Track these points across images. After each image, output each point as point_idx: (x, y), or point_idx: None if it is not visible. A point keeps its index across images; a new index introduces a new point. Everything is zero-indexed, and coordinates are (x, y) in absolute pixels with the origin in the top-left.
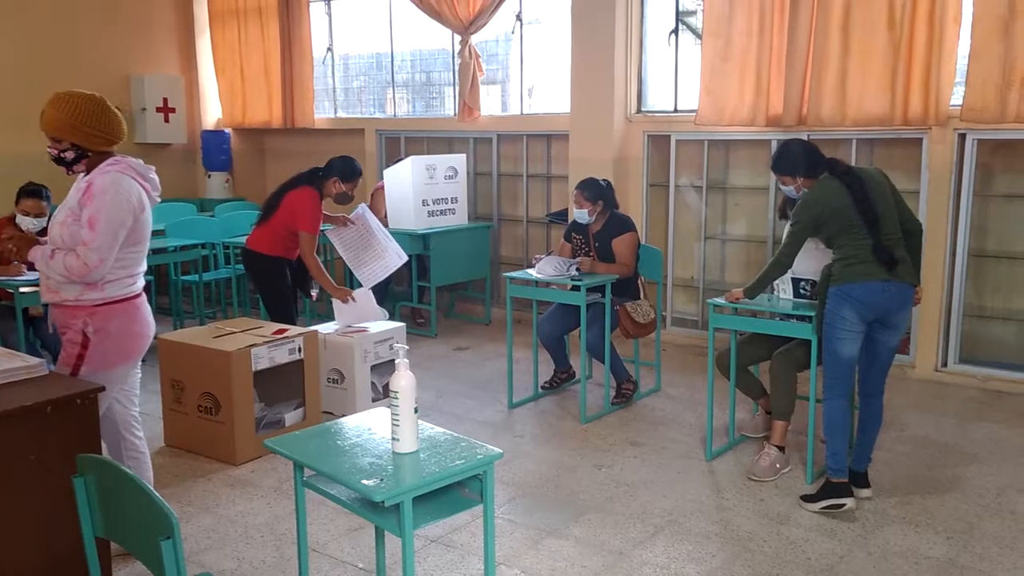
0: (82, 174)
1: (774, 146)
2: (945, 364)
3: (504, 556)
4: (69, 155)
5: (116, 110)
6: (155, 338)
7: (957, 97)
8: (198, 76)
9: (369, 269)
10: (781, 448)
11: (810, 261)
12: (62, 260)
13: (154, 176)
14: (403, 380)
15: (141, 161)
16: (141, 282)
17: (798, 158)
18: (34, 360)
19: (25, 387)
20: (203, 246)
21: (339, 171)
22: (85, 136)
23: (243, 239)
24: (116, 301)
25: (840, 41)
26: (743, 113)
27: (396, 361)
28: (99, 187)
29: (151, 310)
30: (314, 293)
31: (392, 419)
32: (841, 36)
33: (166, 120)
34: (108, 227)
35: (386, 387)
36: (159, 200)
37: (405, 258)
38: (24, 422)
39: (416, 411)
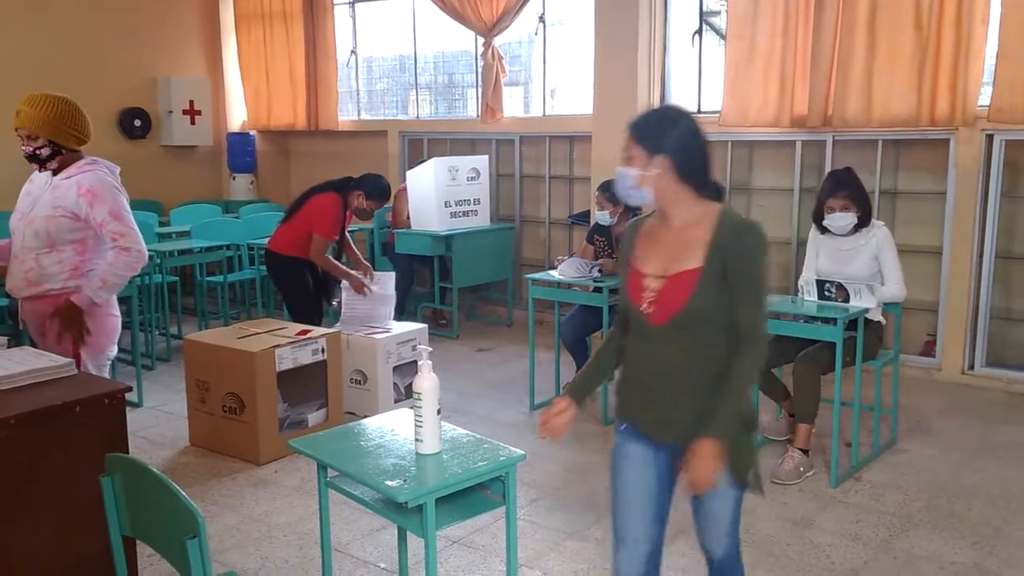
0: (50, 172)
1: (799, 147)
2: (972, 367)
3: (525, 557)
4: (44, 151)
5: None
6: (181, 339)
7: (985, 97)
8: (224, 78)
9: (358, 309)
10: (805, 451)
11: (836, 263)
12: (114, 267)
13: (118, 175)
14: (426, 382)
15: (109, 162)
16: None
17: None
18: (63, 360)
19: (54, 387)
20: (228, 247)
21: (367, 187)
22: (61, 134)
23: (267, 240)
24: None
25: (866, 41)
26: (767, 114)
27: (419, 363)
28: (96, 185)
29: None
30: (336, 303)
31: (415, 420)
32: (867, 36)
33: (192, 122)
34: (127, 215)
35: (408, 388)
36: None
37: (389, 327)
38: (53, 422)
39: (439, 412)
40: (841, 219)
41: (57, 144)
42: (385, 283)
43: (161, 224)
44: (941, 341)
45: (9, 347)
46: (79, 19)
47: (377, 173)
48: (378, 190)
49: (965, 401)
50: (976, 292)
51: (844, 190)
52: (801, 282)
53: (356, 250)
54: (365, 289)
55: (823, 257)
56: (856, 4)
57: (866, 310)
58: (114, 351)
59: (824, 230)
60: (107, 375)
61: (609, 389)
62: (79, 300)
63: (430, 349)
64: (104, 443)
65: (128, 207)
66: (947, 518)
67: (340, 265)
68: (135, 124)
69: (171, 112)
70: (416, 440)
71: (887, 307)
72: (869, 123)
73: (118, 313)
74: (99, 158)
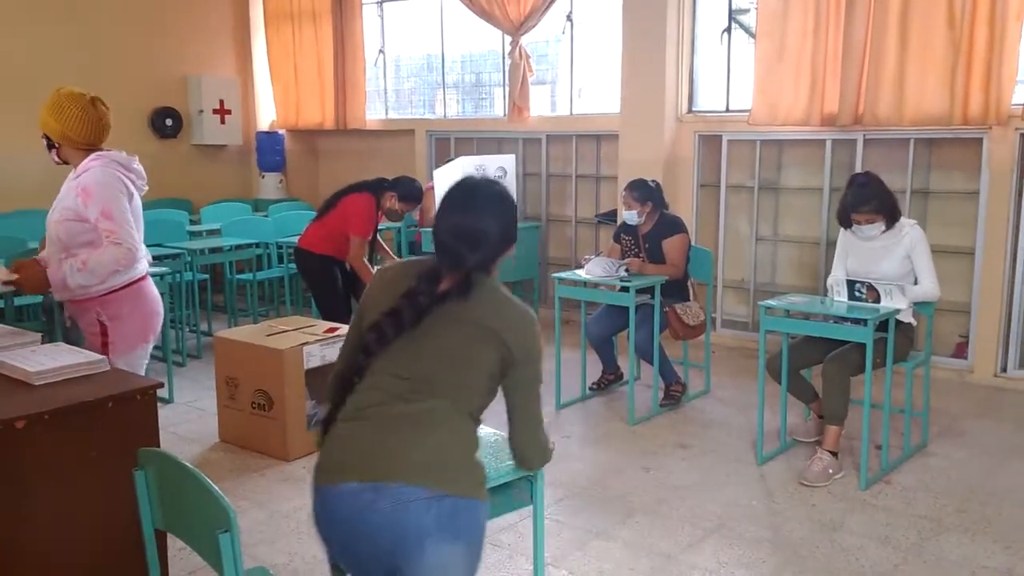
0: (73, 171)
1: (829, 146)
2: (1004, 369)
3: (552, 557)
4: (45, 145)
5: (102, 109)
6: (211, 336)
7: (1019, 96)
8: (253, 78)
9: None
10: (834, 453)
11: (867, 262)
12: (101, 258)
13: (138, 166)
14: None
15: (123, 153)
16: (144, 265)
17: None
18: (96, 356)
19: (87, 383)
20: (257, 245)
21: (401, 189)
22: (50, 128)
23: (296, 239)
24: (121, 288)
25: (898, 38)
26: (797, 113)
27: None
28: (90, 183)
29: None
30: None
31: None
32: (899, 33)
33: (222, 122)
34: (120, 213)
35: None
36: (146, 188)
37: None
38: (86, 417)
39: None
40: (869, 230)
41: (49, 138)
42: None
43: (191, 222)
44: (973, 343)
45: (43, 343)
46: (111, 20)
47: (411, 176)
48: (411, 193)
49: (997, 404)
50: (1009, 293)
51: (866, 204)
52: (830, 281)
53: (387, 248)
54: None
55: (853, 257)
56: (888, 1)
57: (897, 311)
58: (147, 350)
59: (848, 224)
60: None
61: (635, 390)
62: (52, 276)
63: None
64: (136, 438)
65: (125, 205)
66: (978, 522)
67: (383, 245)
68: (166, 123)
69: (202, 111)
70: None
71: (919, 308)
72: (901, 122)
73: (156, 309)
74: (109, 151)
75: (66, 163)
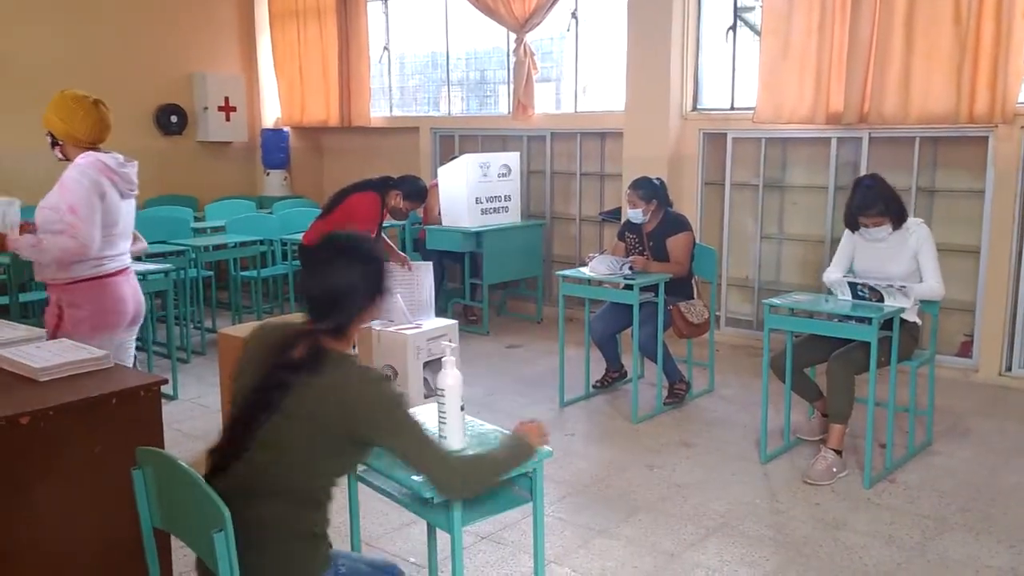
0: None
1: (834, 144)
2: (1009, 368)
3: (554, 554)
4: (49, 142)
5: (103, 110)
6: (215, 333)
7: None
8: (258, 75)
9: (398, 300)
10: (838, 452)
11: (877, 262)
12: (55, 243)
13: (129, 170)
14: (450, 378)
15: (118, 156)
16: (115, 264)
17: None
18: (100, 352)
19: (91, 378)
20: (261, 242)
21: (406, 188)
22: (53, 124)
23: (300, 236)
24: (83, 280)
25: (904, 37)
26: (802, 111)
27: (443, 359)
28: (67, 178)
29: (136, 289)
30: None
31: (439, 417)
32: (905, 32)
33: (227, 119)
34: (86, 211)
35: None
36: (134, 192)
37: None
38: (90, 413)
39: (463, 408)
40: (877, 232)
41: (53, 136)
42: (423, 273)
43: (196, 219)
44: (978, 342)
45: (48, 339)
46: (117, 17)
47: (416, 175)
48: (416, 192)
49: (1002, 403)
50: (1014, 292)
51: (872, 207)
52: (826, 278)
53: (392, 246)
54: (406, 265)
55: (862, 257)
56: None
57: (901, 309)
58: (113, 344)
59: (856, 227)
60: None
61: (639, 388)
62: (11, 240)
63: (454, 345)
64: (140, 435)
65: (94, 203)
66: (982, 521)
67: (388, 241)
68: (171, 120)
69: (207, 108)
70: (440, 436)
71: (924, 307)
72: (906, 120)
73: (116, 307)
74: (104, 152)
75: (68, 159)
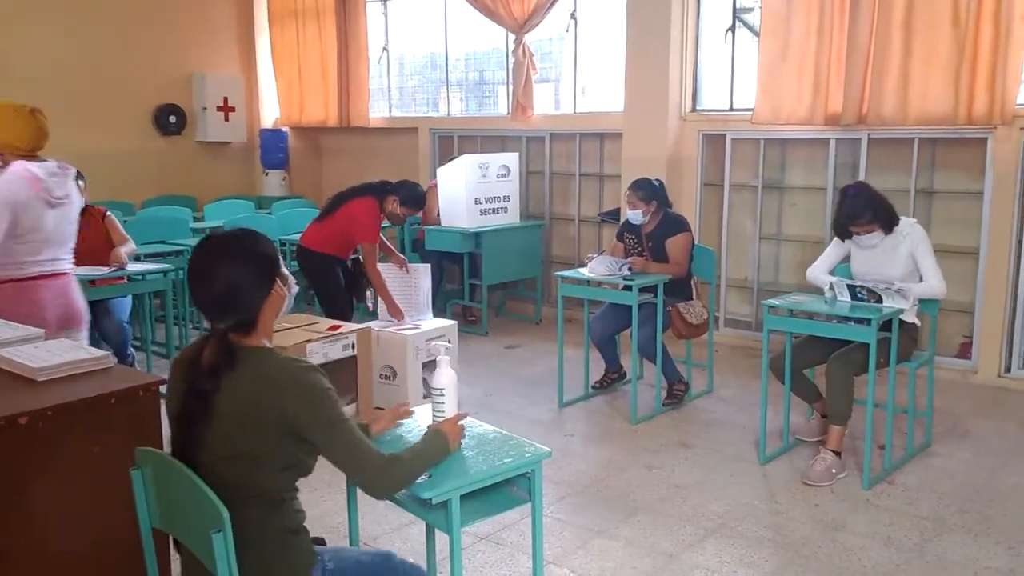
0: None
1: (833, 145)
2: (1008, 370)
3: (553, 555)
4: None
5: (40, 118)
6: None
7: (1023, 96)
8: (257, 75)
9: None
10: (837, 453)
11: (874, 264)
12: None
13: (58, 180)
14: (445, 377)
15: (50, 165)
16: (37, 269)
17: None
18: (99, 352)
19: (90, 378)
20: None
21: (403, 193)
22: (3, 142)
23: (299, 236)
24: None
25: (902, 39)
26: (801, 112)
27: (438, 359)
28: None
29: (62, 294)
30: (370, 304)
31: (435, 416)
32: (903, 34)
33: (226, 119)
34: None
35: None
36: (65, 202)
37: (428, 317)
38: (89, 413)
39: (459, 407)
40: (869, 240)
41: None
42: (421, 275)
43: (195, 219)
44: (977, 343)
45: (46, 339)
46: (116, 18)
47: (414, 181)
48: (413, 198)
49: (1001, 404)
50: (1013, 294)
51: (862, 216)
52: (809, 274)
53: (392, 247)
54: (403, 319)
55: (859, 261)
56: (892, 1)
57: (901, 311)
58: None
59: (846, 236)
60: None
61: (638, 389)
62: None
63: (448, 345)
64: (139, 434)
65: (3, 214)
66: (981, 522)
67: (386, 288)
68: (170, 120)
69: (205, 108)
70: None
71: (923, 308)
72: (905, 121)
73: (31, 311)
74: (28, 161)
75: (5, 167)
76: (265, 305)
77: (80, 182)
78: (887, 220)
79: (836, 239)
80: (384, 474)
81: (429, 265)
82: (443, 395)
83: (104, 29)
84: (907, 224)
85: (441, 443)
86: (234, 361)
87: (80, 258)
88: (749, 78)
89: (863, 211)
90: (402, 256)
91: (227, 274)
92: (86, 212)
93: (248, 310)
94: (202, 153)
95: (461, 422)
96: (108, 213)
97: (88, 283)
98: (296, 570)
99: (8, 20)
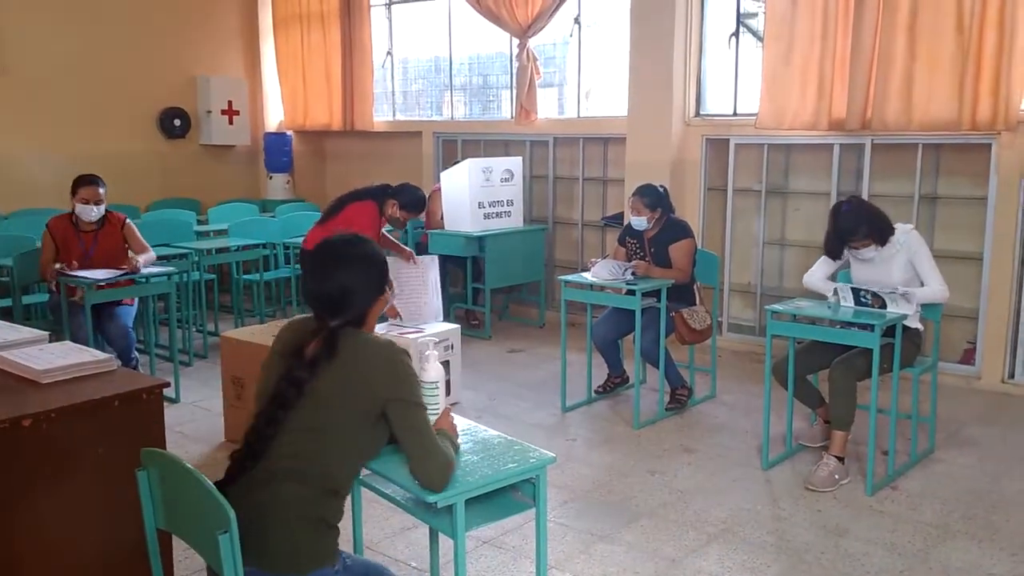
0: None
1: (837, 151)
2: (1012, 376)
3: (556, 560)
4: None
5: None
6: (217, 336)
7: None
8: (262, 79)
9: (404, 307)
10: (840, 458)
11: (874, 273)
12: None
13: None
14: (435, 372)
15: None
16: None
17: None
18: (102, 355)
19: (94, 381)
20: (264, 246)
21: (404, 197)
22: None
23: (302, 239)
24: None
25: (906, 44)
26: (805, 117)
27: (425, 353)
28: None
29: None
30: None
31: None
32: (907, 38)
33: (230, 122)
34: None
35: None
36: None
37: (440, 318)
38: (93, 415)
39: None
40: (867, 253)
41: None
42: (428, 266)
43: (199, 222)
44: (981, 349)
45: (50, 342)
46: (122, 20)
47: (415, 184)
48: (414, 202)
49: (1005, 410)
50: (1017, 300)
51: (857, 232)
52: (806, 280)
53: (397, 242)
54: (412, 259)
55: (859, 271)
56: (896, 6)
57: (904, 316)
58: None
59: (840, 255)
60: None
61: (641, 394)
62: None
63: (436, 340)
64: (142, 437)
65: None
66: (985, 529)
67: (390, 238)
68: (175, 123)
69: (210, 112)
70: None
71: (926, 313)
72: (909, 127)
73: None
74: None
75: None
76: (374, 307)
77: (101, 189)
78: (881, 233)
79: (825, 256)
80: (447, 468)
81: (436, 256)
82: (436, 388)
83: (109, 33)
84: (902, 232)
85: (454, 443)
86: (335, 353)
87: (96, 265)
88: (753, 83)
89: (858, 227)
90: (408, 249)
91: (347, 277)
92: (105, 218)
93: (360, 311)
94: (206, 156)
95: (448, 416)
96: (128, 221)
97: (94, 286)
98: (320, 558)
99: (15, 24)
